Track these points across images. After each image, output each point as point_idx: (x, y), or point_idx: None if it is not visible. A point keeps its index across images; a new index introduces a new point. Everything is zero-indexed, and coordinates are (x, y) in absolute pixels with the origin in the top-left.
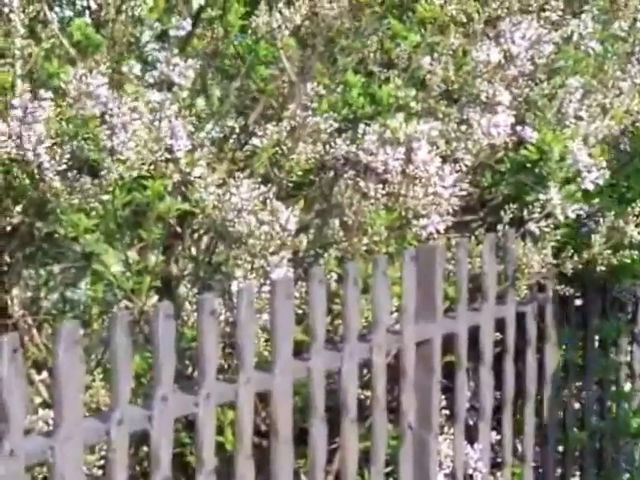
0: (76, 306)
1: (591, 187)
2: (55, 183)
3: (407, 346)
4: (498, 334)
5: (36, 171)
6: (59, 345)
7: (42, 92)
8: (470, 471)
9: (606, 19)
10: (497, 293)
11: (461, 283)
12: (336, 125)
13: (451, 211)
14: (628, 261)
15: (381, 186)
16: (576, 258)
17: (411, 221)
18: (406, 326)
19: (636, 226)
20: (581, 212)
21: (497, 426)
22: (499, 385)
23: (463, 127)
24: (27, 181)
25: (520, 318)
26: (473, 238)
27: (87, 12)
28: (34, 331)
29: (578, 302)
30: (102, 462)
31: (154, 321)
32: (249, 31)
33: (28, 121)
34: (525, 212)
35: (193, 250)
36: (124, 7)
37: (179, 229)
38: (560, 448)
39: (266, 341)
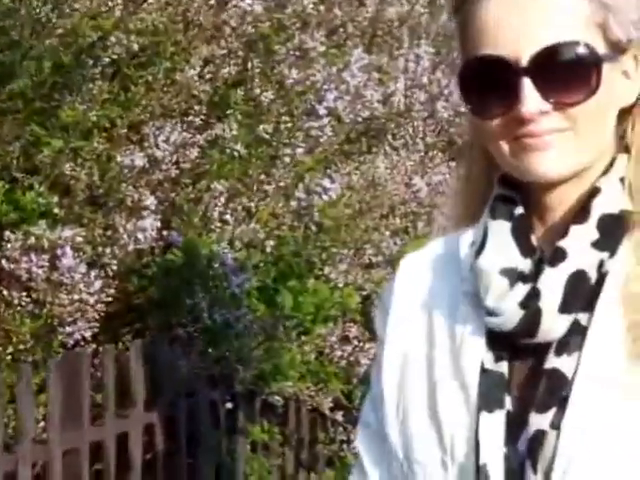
0: None
1: (238, 291)
2: None
3: (54, 456)
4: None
5: None
6: None
7: None
8: None
9: (250, 123)
10: (146, 399)
11: (108, 390)
12: None
13: (98, 317)
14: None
15: (25, 294)
16: (226, 362)
17: (57, 328)
18: (52, 436)
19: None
20: (229, 315)
21: None
22: None
23: (109, 232)
24: None
25: (170, 423)
26: (121, 344)
27: None
28: None
29: (229, 405)
30: None
31: None
32: None
33: None
34: (173, 317)
35: None
36: None
37: None
38: None
39: None
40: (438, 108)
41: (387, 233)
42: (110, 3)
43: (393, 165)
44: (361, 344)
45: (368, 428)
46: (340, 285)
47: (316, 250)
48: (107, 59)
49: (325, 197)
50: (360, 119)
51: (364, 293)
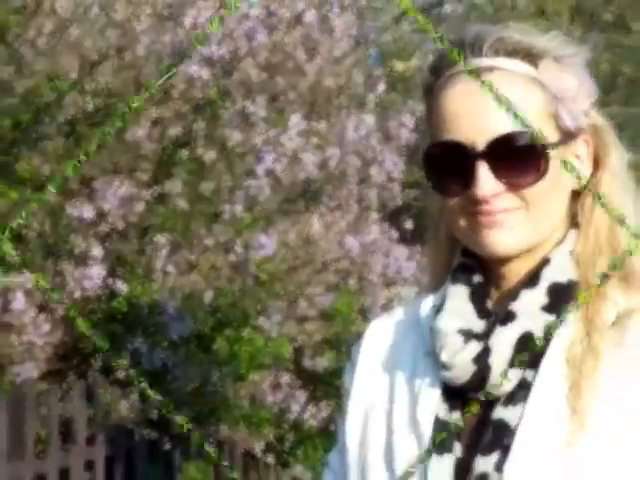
0: None
1: (177, 338)
2: None
3: None
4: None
5: None
6: None
7: None
8: None
9: (194, 180)
10: (88, 436)
11: (52, 426)
12: None
13: (45, 358)
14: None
15: None
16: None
17: (6, 368)
18: None
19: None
20: (168, 361)
21: None
22: None
23: (58, 279)
24: None
25: (111, 461)
26: (65, 384)
27: None
28: None
29: (167, 446)
30: None
31: None
32: None
33: None
34: (115, 361)
35: None
36: None
37: None
38: None
39: None
40: (372, 173)
41: (319, 288)
42: (67, 65)
43: (327, 225)
44: (292, 391)
45: (332, 471)
46: (274, 335)
47: (252, 302)
48: (63, 118)
49: (262, 252)
50: (298, 181)
51: (296, 344)
